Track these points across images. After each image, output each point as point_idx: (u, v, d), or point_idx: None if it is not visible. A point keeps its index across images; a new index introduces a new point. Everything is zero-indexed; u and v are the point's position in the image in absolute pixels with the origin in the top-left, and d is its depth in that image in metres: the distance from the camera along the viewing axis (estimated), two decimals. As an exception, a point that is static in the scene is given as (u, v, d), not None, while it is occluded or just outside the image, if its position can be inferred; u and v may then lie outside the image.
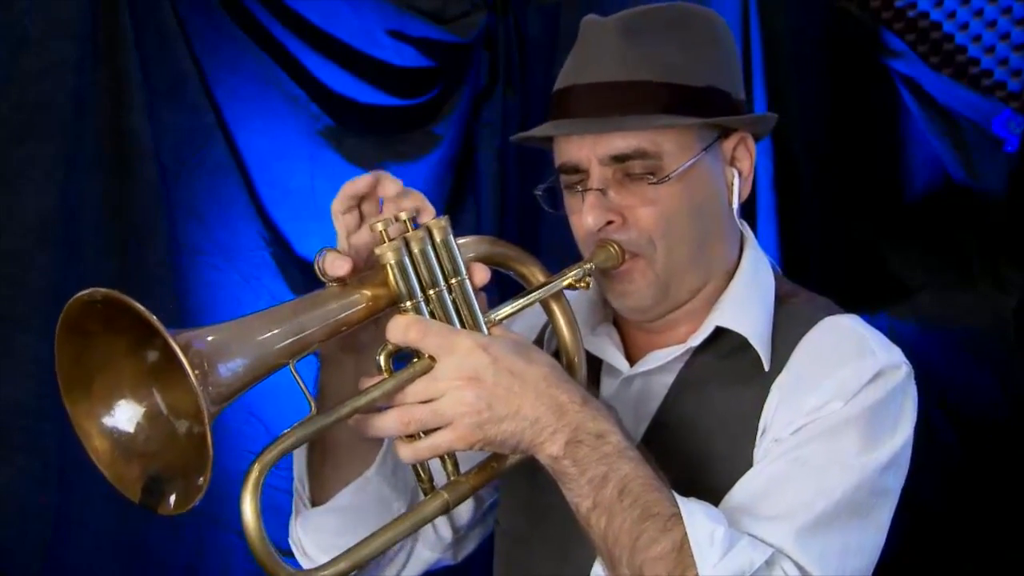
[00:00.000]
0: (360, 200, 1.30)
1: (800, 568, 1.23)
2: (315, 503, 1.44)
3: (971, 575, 3.47)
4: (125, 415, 1.15)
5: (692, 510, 1.22)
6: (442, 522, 1.52)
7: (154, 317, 1.05)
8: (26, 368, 2.49)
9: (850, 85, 3.59)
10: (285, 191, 3.02)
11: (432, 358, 1.22)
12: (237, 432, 2.75)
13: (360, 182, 1.29)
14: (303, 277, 2.98)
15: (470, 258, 1.31)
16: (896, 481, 1.34)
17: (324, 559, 1.40)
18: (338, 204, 1.29)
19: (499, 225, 3.28)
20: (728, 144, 1.42)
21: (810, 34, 3.57)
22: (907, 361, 1.37)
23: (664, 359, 1.42)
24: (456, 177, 3.29)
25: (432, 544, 1.53)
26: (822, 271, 3.53)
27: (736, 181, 1.43)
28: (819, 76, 3.58)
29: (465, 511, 1.54)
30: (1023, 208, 3.46)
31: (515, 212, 3.32)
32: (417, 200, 1.29)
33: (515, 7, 3.32)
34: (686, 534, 1.19)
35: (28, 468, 2.50)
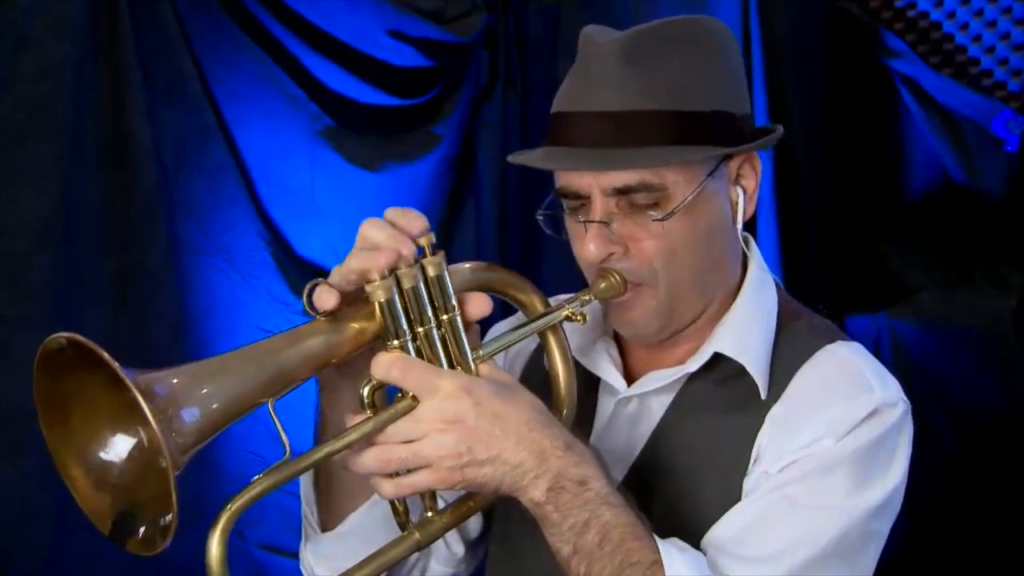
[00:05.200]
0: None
1: None
2: (324, 527, 1.42)
3: (971, 575, 3.48)
4: (102, 447, 1.13)
5: (673, 559, 1.20)
6: (454, 538, 1.51)
7: (116, 364, 1.03)
8: (26, 368, 2.47)
9: (850, 85, 3.59)
10: (285, 191, 3.02)
11: (415, 398, 1.21)
12: (237, 433, 2.74)
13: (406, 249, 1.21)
14: (303, 277, 2.97)
15: (466, 287, 1.29)
16: (886, 524, 1.31)
17: None
18: (360, 265, 1.21)
19: (500, 226, 3.28)
20: (733, 164, 1.38)
21: (810, 35, 3.57)
22: (904, 398, 1.34)
23: (661, 382, 1.40)
24: (456, 177, 3.29)
25: (445, 560, 1.52)
26: (822, 271, 3.53)
27: (741, 200, 1.39)
28: (819, 76, 3.58)
29: (475, 525, 1.53)
30: (1023, 208, 3.46)
31: (516, 212, 3.32)
32: (419, 224, 1.24)
33: (515, 7, 3.32)
34: None
35: (28, 468, 2.50)
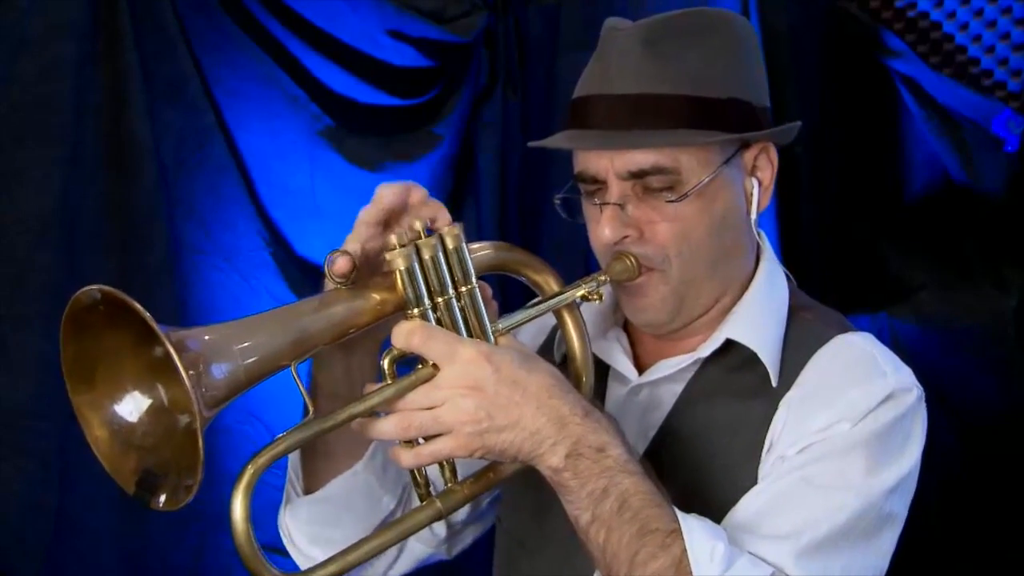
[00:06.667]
0: (390, 213, 1.28)
1: None
2: (306, 492, 1.44)
3: (971, 575, 3.48)
4: (126, 407, 1.15)
5: (692, 526, 1.21)
6: None
7: (149, 315, 1.04)
8: (26, 368, 2.49)
9: (850, 85, 3.59)
10: (285, 191, 3.02)
11: (435, 365, 1.22)
12: (238, 433, 2.75)
13: (393, 193, 1.26)
14: (303, 277, 2.98)
15: (484, 265, 1.30)
16: (901, 506, 1.33)
17: (311, 549, 1.42)
18: (370, 215, 1.27)
19: (500, 225, 3.28)
20: (749, 154, 1.40)
21: (810, 34, 3.56)
22: (918, 384, 1.36)
23: (673, 368, 1.42)
24: (456, 177, 3.29)
25: (425, 539, 1.53)
26: (822, 271, 3.53)
27: (756, 191, 1.41)
28: (819, 76, 3.57)
29: (462, 510, 1.53)
30: (1023, 208, 3.46)
31: (516, 212, 3.31)
32: (435, 209, 1.28)
33: (515, 7, 3.32)
34: (685, 550, 1.19)
35: (28, 468, 2.50)
